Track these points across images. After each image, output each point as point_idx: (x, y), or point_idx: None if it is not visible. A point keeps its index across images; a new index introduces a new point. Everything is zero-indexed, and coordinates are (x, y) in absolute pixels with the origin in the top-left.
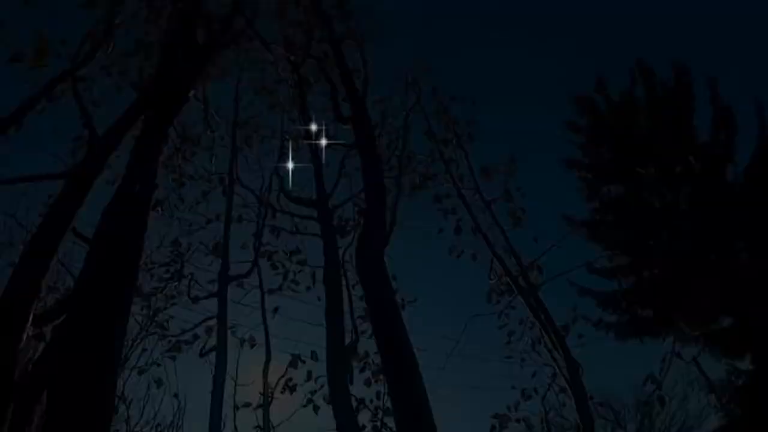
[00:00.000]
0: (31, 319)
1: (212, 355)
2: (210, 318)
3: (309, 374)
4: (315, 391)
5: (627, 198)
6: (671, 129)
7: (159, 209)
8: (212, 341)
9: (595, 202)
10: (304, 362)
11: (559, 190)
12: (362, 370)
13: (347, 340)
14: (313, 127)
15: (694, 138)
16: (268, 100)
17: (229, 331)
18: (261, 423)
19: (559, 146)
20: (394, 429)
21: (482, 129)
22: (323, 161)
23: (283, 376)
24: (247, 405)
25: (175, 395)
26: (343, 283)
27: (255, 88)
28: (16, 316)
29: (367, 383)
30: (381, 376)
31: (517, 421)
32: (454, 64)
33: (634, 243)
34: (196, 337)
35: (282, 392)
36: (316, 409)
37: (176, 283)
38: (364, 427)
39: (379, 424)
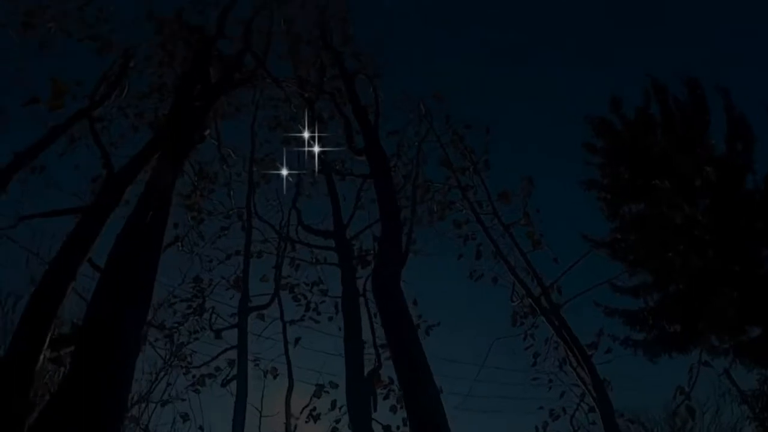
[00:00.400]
0: (47, 342)
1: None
2: (230, 348)
3: (333, 403)
4: (339, 420)
5: (647, 215)
6: (688, 143)
7: (179, 244)
8: (234, 372)
9: (616, 221)
10: (327, 392)
11: (575, 210)
12: (386, 397)
13: (370, 368)
14: (329, 160)
15: (711, 150)
16: (283, 136)
17: (250, 362)
18: None
19: (574, 167)
20: None
21: (497, 152)
22: (339, 193)
23: (306, 406)
24: None
25: (200, 428)
26: (365, 311)
27: (270, 125)
28: (33, 341)
29: (393, 410)
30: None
31: None
32: (466, 89)
33: (656, 260)
34: (218, 369)
35: (306, 422)
36: None
37: (198, 317)
38: None
39: None
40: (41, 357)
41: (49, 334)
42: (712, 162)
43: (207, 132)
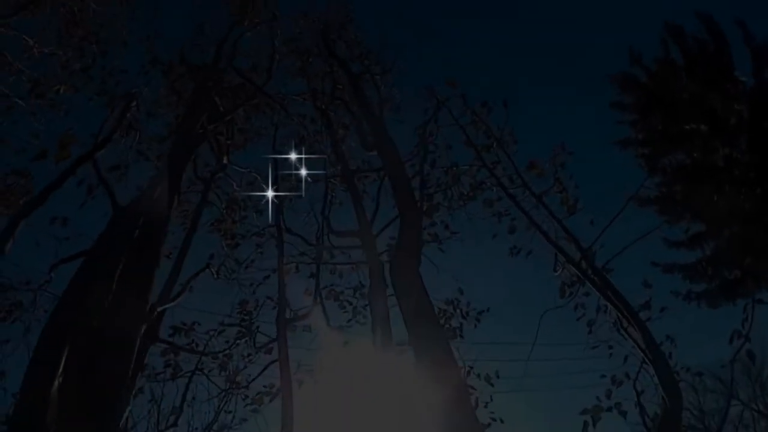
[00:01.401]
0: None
1: None
2: (274, 362)
3: None
4: None
5: (688, 164)
6: (715, 82)
7: (212, 273)
8: None
9: (657, 175)
10: None
11: (606, 172)
12: None
13: None
14: (348, 162)
15: (739, 85)
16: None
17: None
18: None
19: (601, 128)
20: None
21: (520, 126)
22: (360, 192)
23: None
24: None
25: None
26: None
27: (294, 141)
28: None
29: None
30: None
31: (609, 409)
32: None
33: (705, 207)
34: (272, 385)
35: None
36: None
37: (248, 340)
38: None
39: None
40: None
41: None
42: (743, 96)
43: (225, 160)
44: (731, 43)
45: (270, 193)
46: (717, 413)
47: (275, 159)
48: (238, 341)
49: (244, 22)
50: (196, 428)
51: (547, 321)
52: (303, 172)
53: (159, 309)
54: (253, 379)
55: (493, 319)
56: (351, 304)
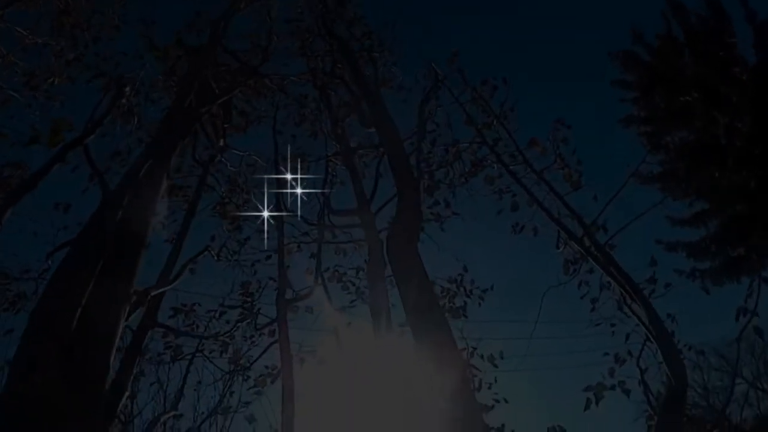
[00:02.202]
0: None
1: None
2: (274, 342)
3: None
4: None
5: (691, 141)
6: (717, 58)
7: (214, 256)
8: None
9: (660, 153)
10: None
11: (609, 149)
12: None
13: None
14: (347, 140)
15: (741, 61)
16: (307, 130)
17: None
18: None
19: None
20: None
21: (521, 108)
22: (359, 170)
23: None
24: None
25: (272, 428)
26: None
27: (295, 121)
28: None
29: None
30: None
31: (612, 388)
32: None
33: (709, 184)
34: (275, 367)
35: None
36: None
37: (250, 322)
38: None
39: None
40: None
41: None
42: (746, 72)
43: (222, 143)
44: (733, 20)
45: (266, 213)
46: (722, 391)
47: (275, 141)
48: (239, 323)
49: (240, 4)
50: (202, 412)
51: (550, 299)
52: (298, 190)
53: (155, 292)
54: (255, 360)
55: (496, 298)
56: (354, 284)
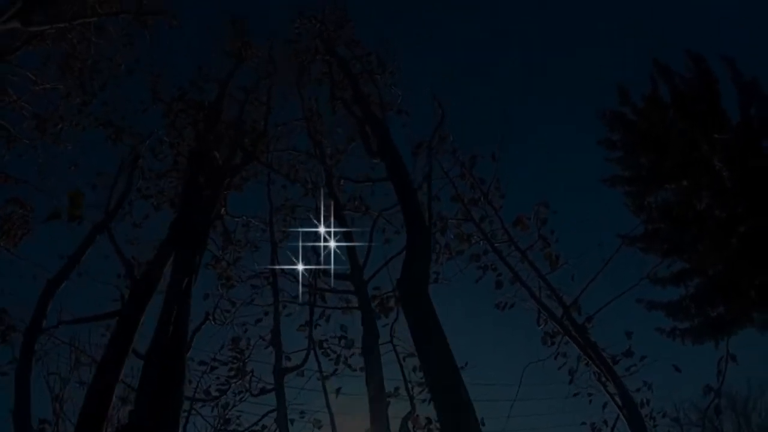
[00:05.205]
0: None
1: None
2: (272, 411)
3: None
4: None
5: (674, 202)
6: (702, 120)
7: (211, 320)
8: None
9: (643, 213)
10: None
11: (592, 210)
12: None
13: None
14: (340, 198)
15: (727, 121)
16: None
17: (296, 417)
18: None
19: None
20: None
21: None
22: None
23: None
24: None
25: None
26: (393, 355)
27: (290, 178)
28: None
29: None
30: None
31: None
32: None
33: (690, 245)
34: (264, 426)
35: None
36: None
37: (240, 380)
38: None
39: None
40: None
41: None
42: (730, 132)
43: (223, 211)
44: (719, 79)
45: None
46: None
47: (270, 201)
48: (231, 381)
49: (242, 63)
50: None
51: (533, 368)
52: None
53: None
54: (250, 427)
55: (478, 364)
56: (335, 352)
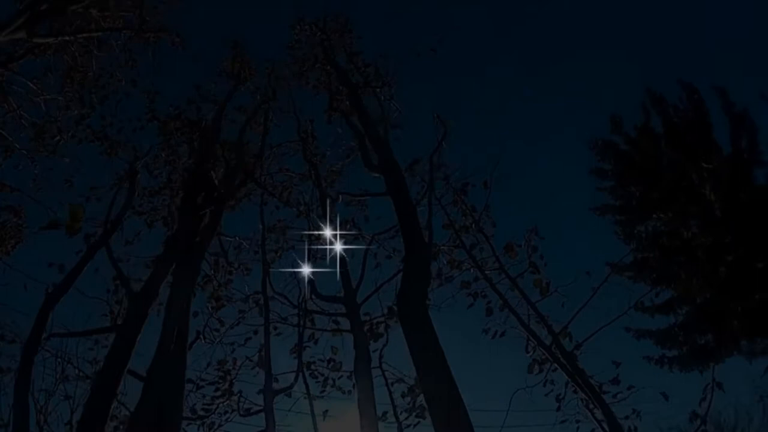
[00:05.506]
0: None
1: None
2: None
3: None
4: None
5: (664, 231)
6: (693, 150)
7: (202, 338)
8: None
9: (633, 242)
10: None
11: (584, 238)
12: None
13: None
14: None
15: (717, 151)
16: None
17: None
18: None
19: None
20: None
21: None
22: (347, 257)
23: None
24: None
25: None
26: (383, 380)
27: (283, 195)
28: None
29: None
30: None
31: None
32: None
33: (679, 274)
34: None
35: None
36: None
37: (227, 401)
38: None
39: None
40: None
41: None
42: (721, 163)
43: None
44: (711, 112)
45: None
46: None
47: (263, 222)
48: (218, 400)
49: (240, 85)
50: None
51: (521, 394)
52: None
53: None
54: None
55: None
56: (323, 374)
